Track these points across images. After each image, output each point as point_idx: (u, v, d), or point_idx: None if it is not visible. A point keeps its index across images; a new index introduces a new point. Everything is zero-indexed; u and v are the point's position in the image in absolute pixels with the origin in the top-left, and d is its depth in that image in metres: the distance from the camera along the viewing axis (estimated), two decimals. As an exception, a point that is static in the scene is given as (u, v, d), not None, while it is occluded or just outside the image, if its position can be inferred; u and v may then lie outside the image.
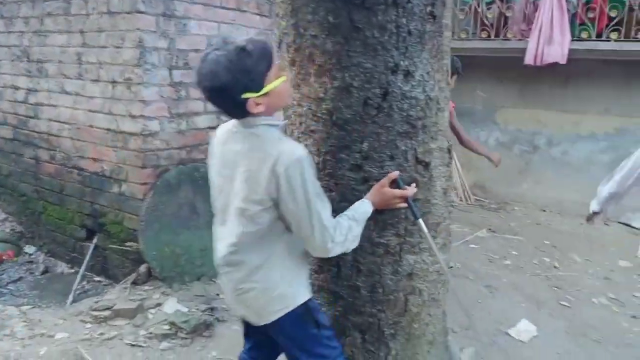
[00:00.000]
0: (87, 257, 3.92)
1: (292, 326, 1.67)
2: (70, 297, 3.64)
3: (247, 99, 1.46)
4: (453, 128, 3.42)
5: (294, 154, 1.47)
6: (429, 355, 2.09)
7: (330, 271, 1.93)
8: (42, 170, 4.39)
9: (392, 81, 1.74)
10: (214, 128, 4.00)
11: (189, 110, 3.83)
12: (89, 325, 3.05)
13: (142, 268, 3.60)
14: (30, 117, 4.44)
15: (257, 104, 1.48)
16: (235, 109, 1.51)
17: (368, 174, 1.80)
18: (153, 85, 3.57)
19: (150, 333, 2.96)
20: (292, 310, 1.65)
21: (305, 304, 1.67)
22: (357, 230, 1.66)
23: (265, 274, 1.62)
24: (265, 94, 1.48)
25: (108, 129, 3.76)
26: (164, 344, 2.90)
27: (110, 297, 3.38)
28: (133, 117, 3.58)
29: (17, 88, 4.53)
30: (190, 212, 3.75)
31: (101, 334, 2.96)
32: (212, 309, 3.27)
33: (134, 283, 3.56)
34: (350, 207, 1.71)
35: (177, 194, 3.69)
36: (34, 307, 3.41)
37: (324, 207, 1.55)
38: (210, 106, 3.92)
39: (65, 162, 4.16)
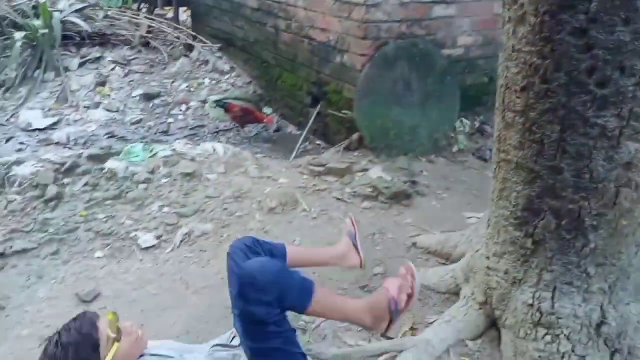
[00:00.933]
0: (310, 122, 4.36)
1: None
2: (294, 153, 4.18)
3: None
4: None
5: None
6: (636, 257, 1.87)
7: (531, 148, 1.80)
8: (280, 38, 4.87)
9: None
10: (437, 2, 3.85)
11: (414, -18, 3.73)
12: (305, 177, 3.50)
13: (355, 136, 3.90)
14: (272, -12, 4.85)
15: None
16: None
17: (593, 41, 1.55)
18: (379, -48, 3.53)
19: (354, 192, 3.27)
20: None
21: None
22: None
23: None
24: None
25: (336, -1, 3.92)
26: (365, 204, 3.18)
27: (325, 157, 3.78)
28: (358, -14, 3.64)
29: (262, -41, 4.95)
30: (404, 88, 3.80)
31: (314, 185, 3.37)
32: (413, 182, 3.41)
33: (347, 148, 3.90)
34: None
35: (393, 68, 3.75)
36: (265, 156, 4.02)
37: None
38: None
39: (298, 32, 4.52)
